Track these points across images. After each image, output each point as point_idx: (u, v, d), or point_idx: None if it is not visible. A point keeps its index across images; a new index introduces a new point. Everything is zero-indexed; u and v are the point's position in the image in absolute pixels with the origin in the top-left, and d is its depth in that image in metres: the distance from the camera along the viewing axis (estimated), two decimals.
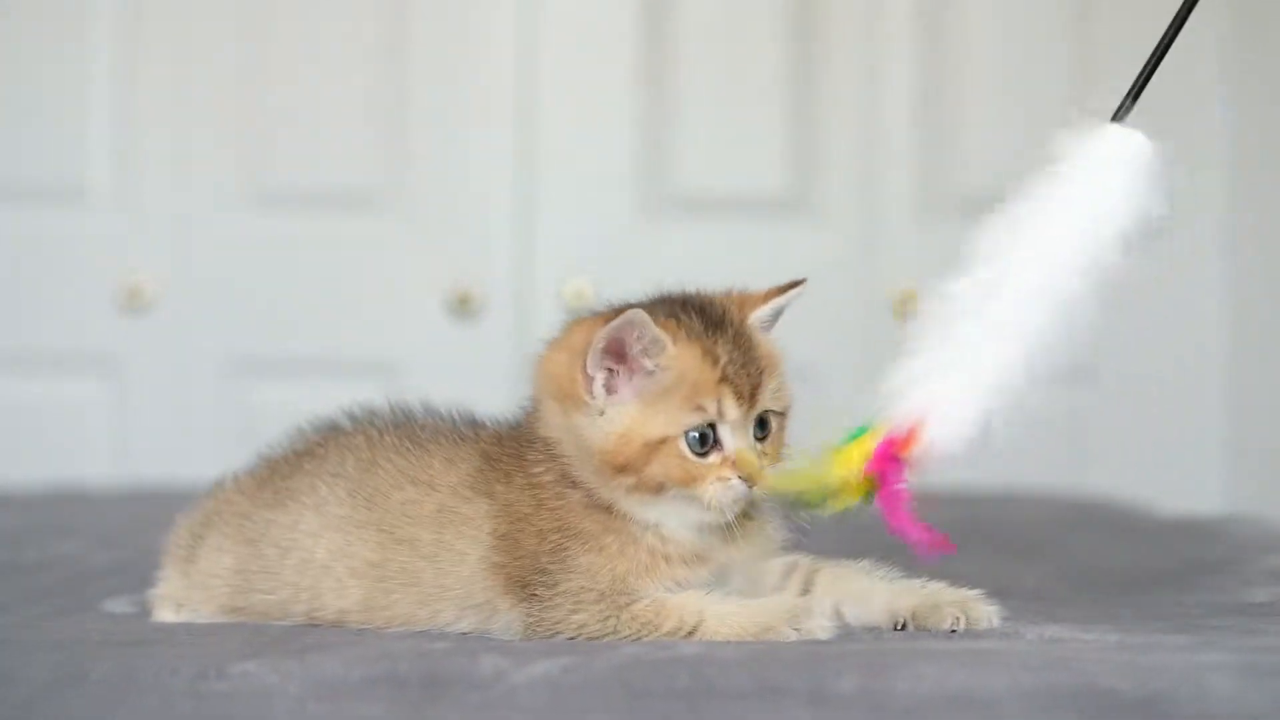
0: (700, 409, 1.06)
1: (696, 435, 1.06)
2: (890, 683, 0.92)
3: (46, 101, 2.61)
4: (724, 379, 1.07)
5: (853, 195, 2.65)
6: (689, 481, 1.07)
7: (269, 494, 1.21)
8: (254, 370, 2.61)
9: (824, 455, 1.07)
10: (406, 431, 1.19)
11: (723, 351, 1.07)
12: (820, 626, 1.08)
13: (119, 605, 1.32)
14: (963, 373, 1.04)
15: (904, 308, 2.65)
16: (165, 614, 1.24)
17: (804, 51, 2.64)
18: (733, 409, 1.07)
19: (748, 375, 1.08)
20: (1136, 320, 2.49)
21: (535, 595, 1.08)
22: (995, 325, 1.05)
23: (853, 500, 1.06)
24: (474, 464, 1.14)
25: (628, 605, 1.07)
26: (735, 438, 1.08)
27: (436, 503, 1.13)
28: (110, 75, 2.62)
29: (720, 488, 1.07)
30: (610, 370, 1.07)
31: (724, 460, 1.07)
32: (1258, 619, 1.16)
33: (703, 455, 1.07)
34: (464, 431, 1.18)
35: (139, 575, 1.30)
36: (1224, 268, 2.61)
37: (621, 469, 1.07)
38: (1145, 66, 1.15)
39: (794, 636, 1.06)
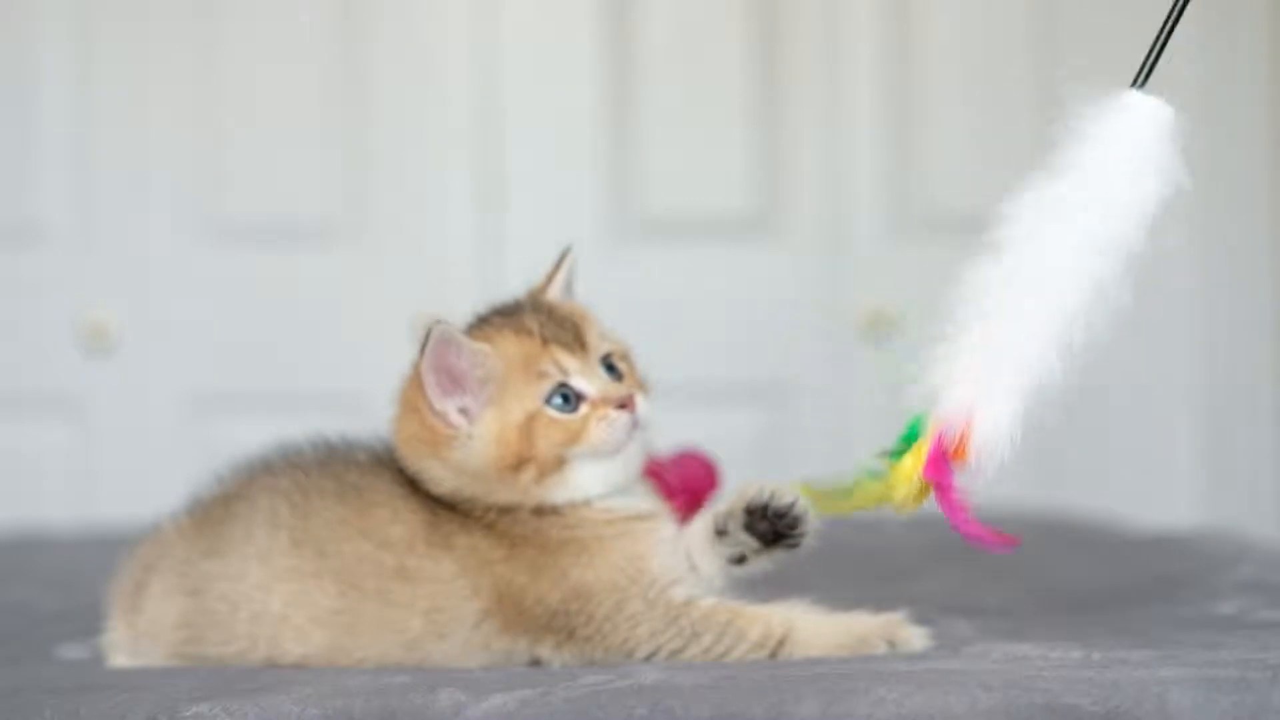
0: (542, 374, 1.09)
1: (559, 398, 1.09)
2: (850, 707, 0.91)
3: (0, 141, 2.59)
4: (545, 341, 1.10)
5: (819, 216, 2.65)
6: (575, 437, 1.08)
7: (207, 540, 1.16)
8: (220, 407, 2.59)
9: (878, 470, 1.05)
10: (334, 472, 1.16)
11: (531, 322, 1.11)
12: (916, 634, 1.08)
13: (74, 651, 1.29)
14: (1002, 368, 1.02)
15: (872, 329, 2.65)
16: (120, 660, 1.21)
17: (768, 73, 2.64)
18: (568, 359, 1.10)
19: (564, 329, 1.11)
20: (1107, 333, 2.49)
21: (574, 632, 1.08)
22: (1029, 314, 1.02)
23: (913, 508, 1.04)
24: (423, 516, 1.11)
25: (686, 604, 1.06)
26: (591, 383, 1.10)
27: (396, 561, 1.10)
28: (64, 112, 2.60)
29: (605, 425, 1.09)
30: (455, 394, 1.08)
31: (594, 404, 1.09)
32: (1222, 632, 1.15)
33: (573, 411, 1.09)
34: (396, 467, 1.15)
35: (93, 620, 1.27)
36: (1193, 279, 2.61)
37: (516, 465, 1.08)
38: (1163, 28, 1.07)
39: (884, 650, 1.07)
